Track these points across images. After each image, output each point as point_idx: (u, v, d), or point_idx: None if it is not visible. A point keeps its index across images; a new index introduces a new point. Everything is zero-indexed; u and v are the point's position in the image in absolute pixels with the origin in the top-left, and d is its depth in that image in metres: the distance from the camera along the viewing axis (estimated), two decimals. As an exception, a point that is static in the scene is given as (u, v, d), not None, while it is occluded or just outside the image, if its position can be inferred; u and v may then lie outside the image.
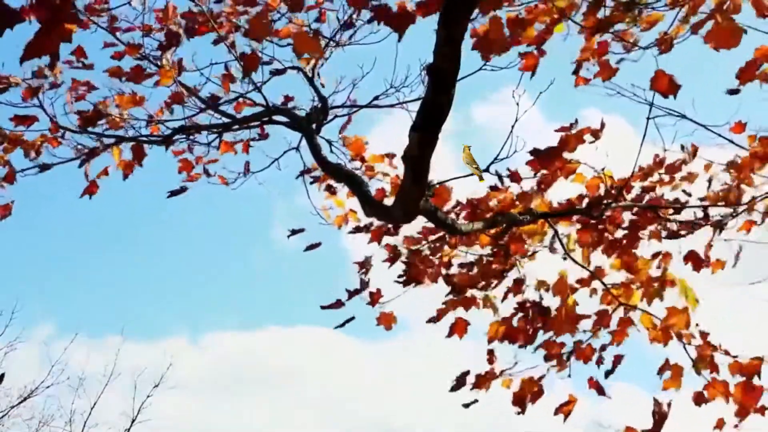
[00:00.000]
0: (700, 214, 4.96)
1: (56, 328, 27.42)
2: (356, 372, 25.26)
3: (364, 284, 5.00)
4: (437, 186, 4.22)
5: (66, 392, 20.80)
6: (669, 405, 4.37)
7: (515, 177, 4.55)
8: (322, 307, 4.93)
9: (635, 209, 4.93)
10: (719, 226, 4.86)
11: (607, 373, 4.77)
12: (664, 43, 3.58)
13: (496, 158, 3.78)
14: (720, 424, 4.47)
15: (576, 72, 4.04)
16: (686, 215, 4.99)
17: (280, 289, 29.35)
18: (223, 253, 28.37)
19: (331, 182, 5.48)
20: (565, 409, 4.62)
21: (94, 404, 16.92)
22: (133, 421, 16.86)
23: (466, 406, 4.72)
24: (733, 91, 4.24)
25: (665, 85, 3.64)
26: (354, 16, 4.68)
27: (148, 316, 25.18)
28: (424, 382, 22.47)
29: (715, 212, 4.94)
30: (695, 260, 4.96)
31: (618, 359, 4.81)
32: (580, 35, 3.87)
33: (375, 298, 5.01)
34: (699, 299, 4.71)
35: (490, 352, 4.72)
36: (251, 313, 27.65)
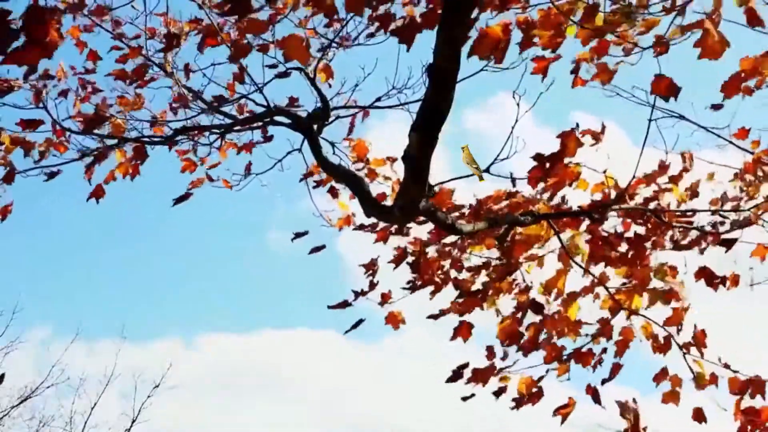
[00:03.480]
0: (706, 223, 4.90)
1: (52, 331, 27.54)
2: (353, 373, 25.34)
3: (373, 286, 5.03)
4: (437, 187, 4.21)
5: (65, 393, 20.87)
6: (635, 400, 4.35)
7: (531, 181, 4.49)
8: (329, 307, 5.00)
9: (640, 217, 4.89)
10: (727, 244, 4.78)
11: (604, 381, 4.75)
12: (661, 46, 3.57)
13: (496, 159, 3.78)
14: None
15: (575, 73, 4.03)
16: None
17: (276, 292, 29.43)
18: (220, 255, 28.52)
19: (334, 185, 5.48)
20: (563, 411, 4.60)
21: (95, 405, 16.96)
22: (134, 421, 16.86)
23: (465, 399, 4.72)
24: (717, 107, 4.25)
25: (665, 88, 3.62)
26: (369, 27, 4.63)
27: (143, 318, 25.26)
28: (422, 384, 22.54)
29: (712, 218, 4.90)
30: (708, 276, 4.80)
31: (617, 368, 4.79)
32: (578, 39, 3.84)
33: (385, 298, 5.04)
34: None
35: (490, 348, 4.71)
36: (247, 315, 27.73)
